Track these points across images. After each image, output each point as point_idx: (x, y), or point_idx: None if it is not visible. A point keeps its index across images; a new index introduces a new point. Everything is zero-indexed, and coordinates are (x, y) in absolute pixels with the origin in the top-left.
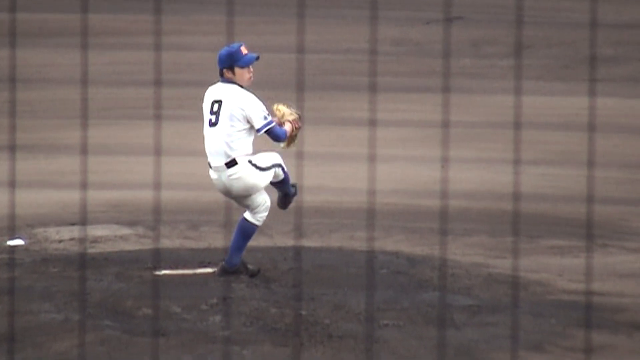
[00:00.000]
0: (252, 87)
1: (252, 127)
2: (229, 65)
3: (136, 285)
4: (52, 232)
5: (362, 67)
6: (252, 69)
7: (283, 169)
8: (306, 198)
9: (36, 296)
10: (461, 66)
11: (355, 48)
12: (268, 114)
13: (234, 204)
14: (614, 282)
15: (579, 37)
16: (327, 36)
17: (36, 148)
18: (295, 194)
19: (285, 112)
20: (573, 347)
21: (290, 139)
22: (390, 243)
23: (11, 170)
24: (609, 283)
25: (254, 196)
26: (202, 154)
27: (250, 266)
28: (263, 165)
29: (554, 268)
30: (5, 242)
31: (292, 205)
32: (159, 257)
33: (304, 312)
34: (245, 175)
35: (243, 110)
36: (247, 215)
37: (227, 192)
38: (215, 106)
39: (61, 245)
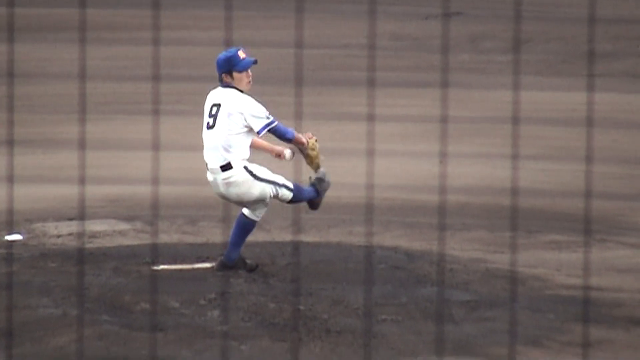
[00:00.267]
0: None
1: (250, 130)
2: (227, 70)
3: (134, 280)
4: (51, 227)
5: (361, 62)
6: (250, 73)
7: (290, 188)
8: None
9: (34, 291)
10: (460, 61)
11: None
12: (269, 114)
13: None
14: (612, 277)
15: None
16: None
17: (34, 143)
18: (319, 192)
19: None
20: (571, 342)
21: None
22: (389, 238)
23: (9, 165)
24: (606, 278)
25: (255, 196)
26: (201, 149)
27: (248, 261)
28: (259, 175)
29: (552, 263)
30: (4, 237)
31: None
32: (157, 252)
33: (302, 307)
34: (239, 181)
35: (242, 113)
36: (246, 211)
37: (223, 196)
38: (214, 109)
39: (59, 240)
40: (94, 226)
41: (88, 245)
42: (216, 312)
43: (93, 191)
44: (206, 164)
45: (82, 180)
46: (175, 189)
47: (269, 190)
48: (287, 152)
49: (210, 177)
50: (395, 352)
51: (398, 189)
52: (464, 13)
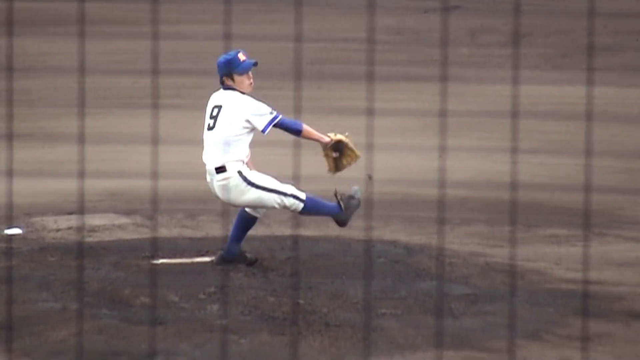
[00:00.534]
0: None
1: (250, 131)
2: (227, 73)
3: (134, 274)
4: (50, 221)
5: (360, 56)
6: (251, 75)
7: (301, 199)
8: (304, 187)
9: (34, 285)
10: (459, 55)
11: (353, 37)
12: (272, 110)
13: None
14: (611, 271)
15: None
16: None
17: (34, 137)
18: (342, 208)
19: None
20: (570, 336)
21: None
22: (388, 232)
23: (9, 159)
24: (606, 272)
25: (249, 202)
26: (200, 143)
27: (248, 255)
28: (256, 182)
29: (552, 257)
30: (3, 231)
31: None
32: (156, 246)
33: (301, 301)
34: (231, 184)
35: (243, 114)
36: (247, 207)
37: (218, 197)
38: (215, 111)
39: (59, 234)
40: (94, 220)
41: (87, 239)
42: (216, 306)
43: (92, 185)
44: (205, 165)
45: (81, 174)
46: (174, 183)
47: (271, 199)
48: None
49: (208, 177)
50: (394, 346)
51: (397, 183)
52: (463, 7)
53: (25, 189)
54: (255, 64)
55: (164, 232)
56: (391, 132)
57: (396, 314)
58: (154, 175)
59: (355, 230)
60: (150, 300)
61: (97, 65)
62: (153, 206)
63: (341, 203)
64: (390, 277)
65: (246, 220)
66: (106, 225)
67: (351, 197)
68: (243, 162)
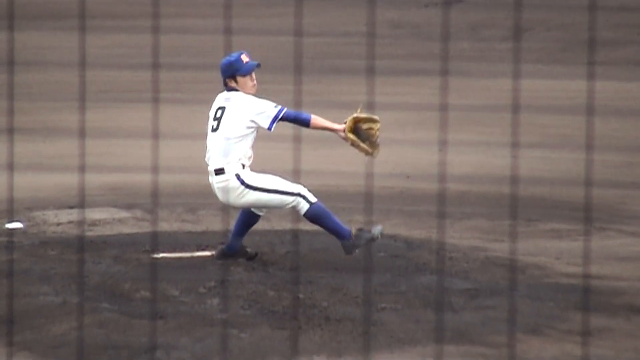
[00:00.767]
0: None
1: (254, 131)
2: (230, 75)
3: (134, 268)
4: (51, 215)
5: (360, 50)
6: (254, 76)
7: (310, 202)
8: (304, 181)
9: (35, 279)
10: (460, 49)
11: (354, 31)
12: (276, 105)
13: None
14: (612, 265)
15: (577, 20)
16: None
17: (34, 131)
18: (350, 237)
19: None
20: (571, 330)
21: (364, 146)
22: (388, 226)
23: (9, 153)
24: (607, 266)
25: (248, 204)
26: (200, 137)
27: (248, 249)
28: (252, 184)
29: (552, 251)
30: (4, 225)
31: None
32: (156, 240)
33: (301, 295)
34: (229, 187)
35: (247, 114)
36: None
37: (219, 198)
38: (219, 112)
39: (59, 228)
40: (94, 214)
41: (88, 233)
42: (216, 300)
43: (93, 179)
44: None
45: (82, 169)
46: (174, 177)
47: (271, 200)
48: None
49: (210, 179)
50: (394, 340)
51: (397, 177)
52: (464, 1)
53: (26, 183)
54: (258, 66)
55: (164, 226)
56: (391, 126)
57: (396, 308)
58: (155, 169)
59: (355, 224)
60: (150, 294)
61: (97, 59)
62: (153, 200)
63: (354, 231)
64: (390, 272)
65: (249, 216)
66: (106, 219)
67: (368, 232)
68: (244, 165)
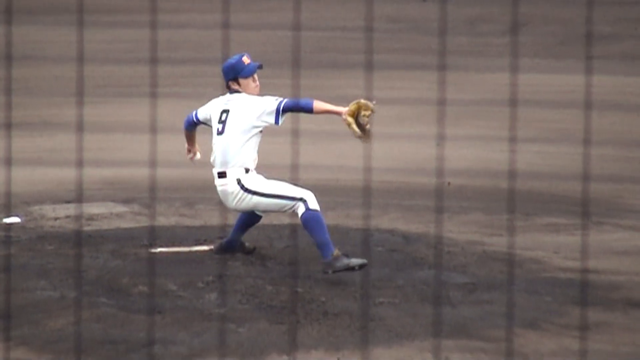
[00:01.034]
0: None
1: (260, 132)
2: (233, 77)
3: (132, 263)
4: (48, 210)
5: (358, 44)
6: (256, 78)
7: (307, 207)
8: (302, 176)
9: (32, 274)
10: (457, 44)
11: (352, 25)
12: (277, 97)
13: None
14: (610, 260)
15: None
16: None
17: (32, 125)
18: (330, 255)
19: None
20: (568, 325)
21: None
22: (386, 221)
23: (7, 147)
24: (604, 260)
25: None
26: (198, 132)
27: (246, 244)
28: (252, 189)
29: (550, 246)
30: (1, 219)
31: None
32: (154, 235)
33: (299, 290)
34: (228, 191)
35: (252, 115)
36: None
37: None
38: (224, 115)
39: (57, 223)
40: (92, 209)
41: (86, 228)
42: (214, 295)
43: (91, 174)
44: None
45: (79, 163)
46: (172, 172)
47: (270, 205)
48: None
49: (215, 181)
50: (392, 335)
51: (395, 171)
52: None
53: (24, 178)
54: (260, 67)
55: (162, 220)
56: (389, 120)
57: (394, 303)
58: (152, 163)
59: (353, 219)
60: (148, 289)
61: (95, 54)
62: (151, 195)
63: (337, 252)
64: (388, 266)
65: (250, 216)
66: (104, 214)
67: (347, 258)
68: (247, 170)
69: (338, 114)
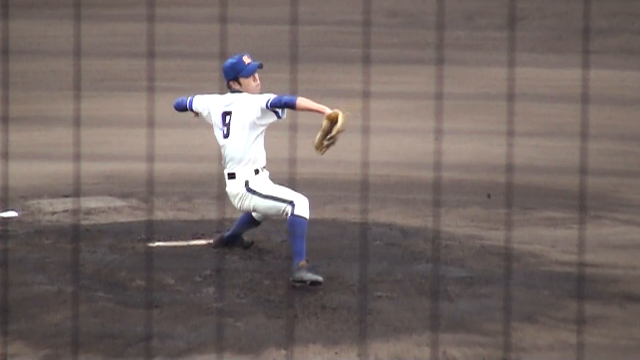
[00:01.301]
0: None
1: (263, 131)
2: (233, 77)
3: (130, 257)
4: (46, 204)
5: (356, 38)
6: (257, 77)
7: (294, 211)
8: (300, 170)
9: (30, 268)
10: (455, 38)
11: (349, 20)
12: (268, 95)
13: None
14: (607, 254)
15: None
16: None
17: (29, 120)
18: (299, 265)
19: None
20: (566, 318)
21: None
22: (384, 215)
23: (4, 142)
24: (601, 254)
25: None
26: (195, 126)
27: (244, 238)
28: (254, 188)
29: (547, 239)
30: None
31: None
32: (152, 229)
33: (297, 284)
34: (234, 192)
35: (252, 113)
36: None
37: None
38: (227, 118)
39: (54, 217)
40: (89, 203)
41: (83, 222)
42: (211, 289)
43: (88, 168)
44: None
45: (77, 157)
46: (170, 166)
47: (272, 205)
48: None
49: (226, 181)
50: (390, 329)
51: (393, 165)
52: None
53: (21, 172)
54: (261, 66)
55: (159, 214)
56: (387, 114)
57: (392, 297)
58: (150, 158)
59: (351, 213)
60: (146, 283)
61: (93, 48)
62: (149, 189)
63: (305, 264)
64: (386, 260)
65: (250, 218)
66: (102, 208)
67: (308, 273)
68: (257, 171)
69: (321, 112)
